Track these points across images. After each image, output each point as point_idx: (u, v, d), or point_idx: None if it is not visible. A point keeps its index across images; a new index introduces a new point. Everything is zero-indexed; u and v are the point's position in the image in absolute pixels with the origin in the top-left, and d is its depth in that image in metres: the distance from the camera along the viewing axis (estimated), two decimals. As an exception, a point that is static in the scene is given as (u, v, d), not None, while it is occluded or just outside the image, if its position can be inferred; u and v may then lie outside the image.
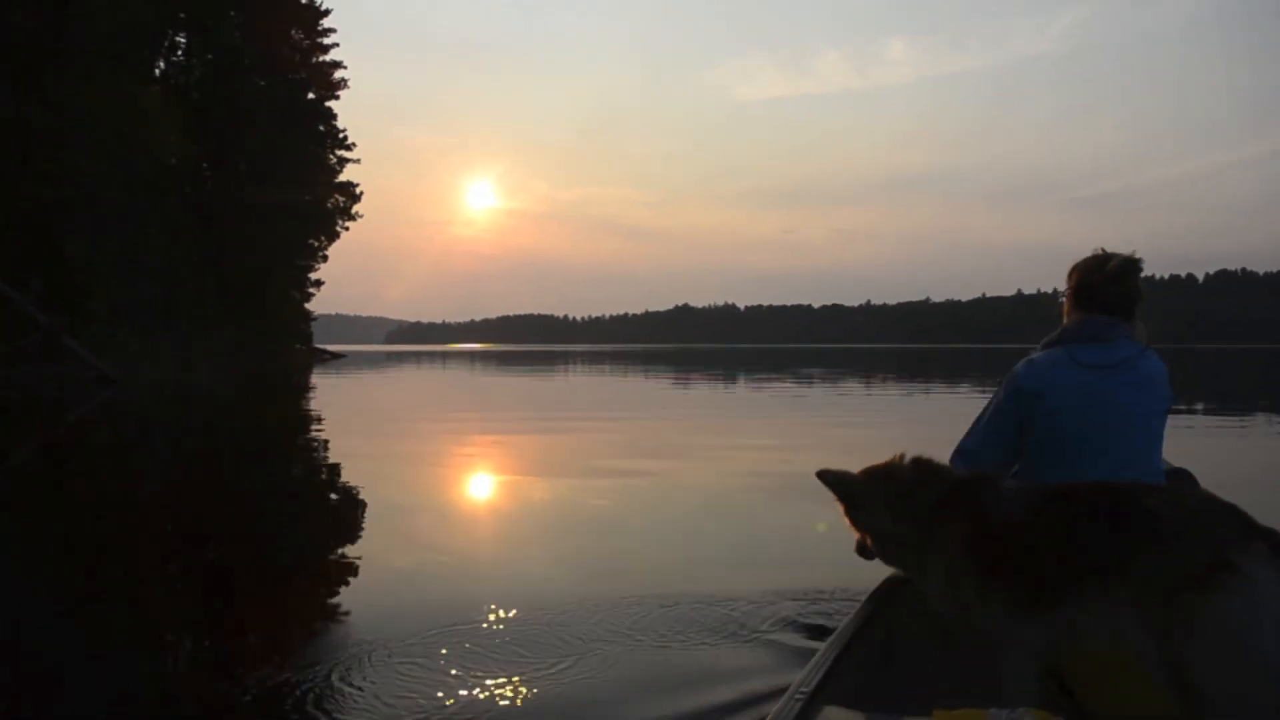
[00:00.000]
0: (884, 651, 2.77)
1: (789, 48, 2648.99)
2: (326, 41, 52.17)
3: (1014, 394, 2.77)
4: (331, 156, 53.97)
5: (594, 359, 67.05)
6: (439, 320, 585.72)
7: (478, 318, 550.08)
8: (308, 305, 56.77)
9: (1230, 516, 2.03)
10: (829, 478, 2.56)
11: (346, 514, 7.02)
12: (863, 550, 2.65)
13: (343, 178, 54.70)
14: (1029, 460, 2.76)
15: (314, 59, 52.10)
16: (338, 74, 52.94)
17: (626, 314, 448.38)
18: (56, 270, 27.98)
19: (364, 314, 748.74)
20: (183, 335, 35.69)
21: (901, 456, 2.52)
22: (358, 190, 54.95)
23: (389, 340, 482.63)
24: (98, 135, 28.67)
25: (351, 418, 17.21)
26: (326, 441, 12.44)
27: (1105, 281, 2.73)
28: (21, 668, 3.67)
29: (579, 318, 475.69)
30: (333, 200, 53.80)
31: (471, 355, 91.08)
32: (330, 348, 69.89)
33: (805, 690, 2.27)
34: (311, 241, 53.33)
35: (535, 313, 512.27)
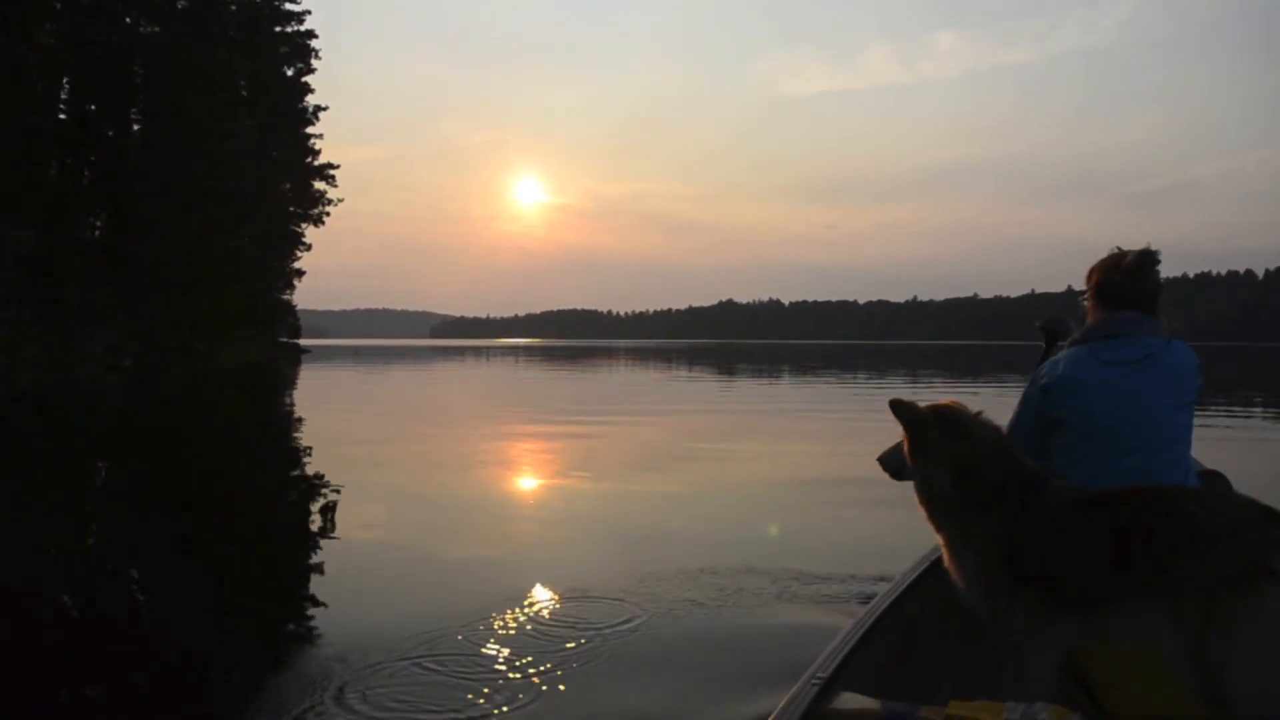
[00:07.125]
0: (904, 640, 2.80)
1: (836, 42, 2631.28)
2: (295, 8, 47.53)
3: (1038, 393, 2.77)
4: (299, 134, 49.20)
5: (640, 354, 65.49)
6: (484, 315, 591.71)
7: (522, 312, 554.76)
8: (287, 297, 52.46)
9: (1270, 520, 2.01)
10: (903, 412, 2.45)
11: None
12: (895, 469, 2.69)
13: (326, 159, 50.49)
14: (1057, 459, 2.70)
15: (275, 28, 46.74)
16: (312, 44, 48.28)
17: (670, 309, 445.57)
18: None
19: (410, 308, 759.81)
20: (69, 327, 30.75)
21: (979, 414, 2.45)
22: (331, 172, 50.81)
23: (434, 334, 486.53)
24: None
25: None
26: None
27: (1124, 277, 2.71)
28: None
29: (623, 313, 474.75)
30: (287, 187, 49.02)
31: (515, 350, 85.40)
32: (306, 342, 60.48)
33: (822, 676, 2.28)
34: (293, 228, 49.82)
35: (579, 307, 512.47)
